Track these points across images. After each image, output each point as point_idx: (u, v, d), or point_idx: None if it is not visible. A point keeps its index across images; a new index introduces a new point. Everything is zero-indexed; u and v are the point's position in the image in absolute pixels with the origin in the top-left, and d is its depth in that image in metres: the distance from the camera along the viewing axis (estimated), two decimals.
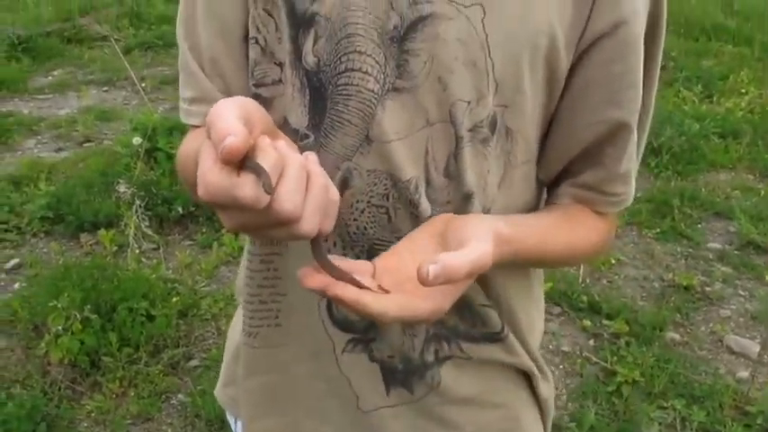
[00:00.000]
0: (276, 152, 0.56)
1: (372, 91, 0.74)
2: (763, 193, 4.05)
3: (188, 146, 0.86)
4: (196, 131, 0.86)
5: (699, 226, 3.72)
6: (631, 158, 0.84)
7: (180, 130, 3.68)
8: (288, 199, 0.55)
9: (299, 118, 0.78)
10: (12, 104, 5.09)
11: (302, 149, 0.60)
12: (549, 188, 0.89)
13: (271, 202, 0.54)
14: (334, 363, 0.87)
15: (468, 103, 0.74)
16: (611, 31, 0.75)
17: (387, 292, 0.64)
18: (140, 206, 3.32)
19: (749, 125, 4.79)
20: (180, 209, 3.42)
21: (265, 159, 0.55)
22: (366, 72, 0.73)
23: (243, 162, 0.54)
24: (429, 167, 0.77)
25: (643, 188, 3.98)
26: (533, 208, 0.86)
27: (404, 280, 0.66)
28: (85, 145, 4.41)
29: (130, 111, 4.87)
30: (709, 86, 5.36)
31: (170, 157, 3.60)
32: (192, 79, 0.85)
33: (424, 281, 0.60)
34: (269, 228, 0.58)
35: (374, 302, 0.62)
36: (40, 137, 4.55)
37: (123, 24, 6.63)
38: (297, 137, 0.78)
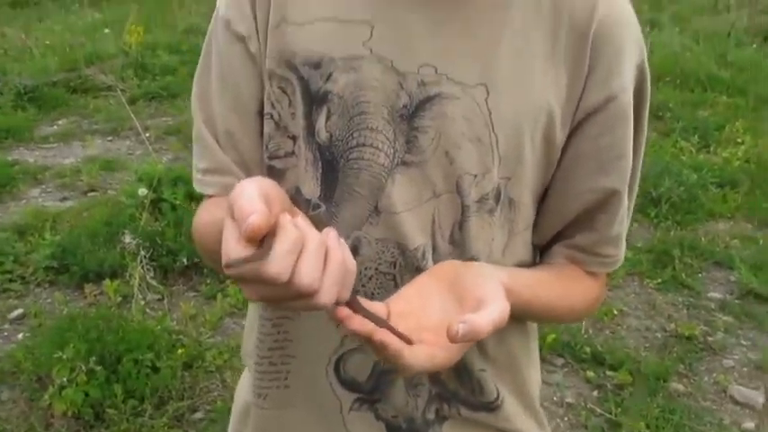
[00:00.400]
0: (297, 229, 0.59)
1: (383, 165, 0.78)
2: (762, 242, 4.08)
3: (204, 217, 0.89)
4: (211, 201, 0.89)
5: (699, 275, 3.74)
6: (622, 222, 0.88)
7: (184, 180, 3.72)
8: (306, 274, 0.58)
9: (312, 189, 0.82)
10: (17, 153, 5.14)
11: (314, 219, 0.64)
12: (541, 249, 0.93)
13: (291, 277, 0.57)
14: (341, 423, 0.89)
15: (475, 176, 0.79)
16: (601, 106, 0.80)
17: (411, 341, 0.67)
18: (145, 257, 3.34)
19: (746, 174, 4.85)
20: (184, 260, 3.44)
21: (286, 236, 0.58)
22: (377, 147, 0.78)
23: (264, 239, 0.58)
24: (435, 235, 0.81)
25: (643, 238, 4.02)
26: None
27: (419, 328, 0.70)
28: (90, 194, 4.45)
29: (135, 161, 4.92)
30: (705, 136, 5.43)
31: (174, 208, 3.63)
32: (207, 151, 0.88)
33: (453, 338, 0.64)
34: (289, 300, 0.60)
35: (409, 355, 0.66)
36: (44, 186, 4.59)
37: (128, 75, 6.72)
38: (309, 207, 0.81)
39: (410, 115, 0.78)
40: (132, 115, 4.73)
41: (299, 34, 0.81)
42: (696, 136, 5.39)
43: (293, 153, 0.83)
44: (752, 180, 4.79)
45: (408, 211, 0.79)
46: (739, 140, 5.40)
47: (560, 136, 0.82)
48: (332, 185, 0.81)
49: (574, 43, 0.79)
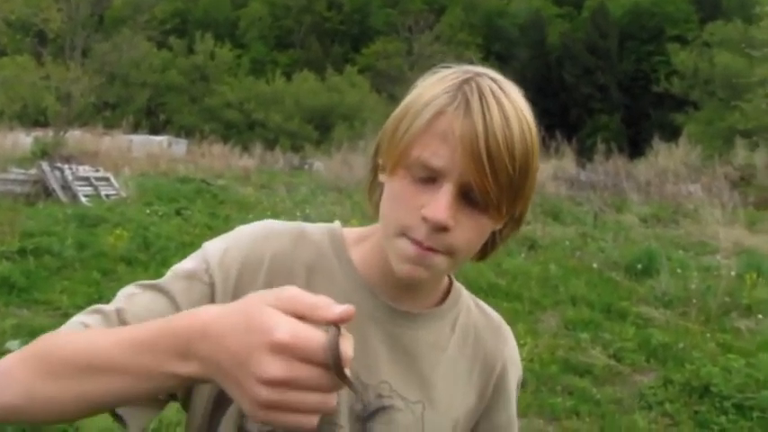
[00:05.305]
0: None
1: None
2: None
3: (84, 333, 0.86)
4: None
5: None
6: None
7: None
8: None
9: None
10: None
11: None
12: None
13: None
14: None
15: None
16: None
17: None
18: None
19: (532, 374, 5.40)
20: None
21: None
22: None
23: None
24: None
25: None
26: None
27: None
28: None
29: None
30: None
31: None
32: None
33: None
34: (314, 389, 0.68)
35: None
36: None
37: None
38: None
39: (365, 418, 0.99)
40: None
41: None
42: None
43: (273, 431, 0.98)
44: (537, 378, 5.35)
45: None
46: (522, 342, 6.03)
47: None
48: None
49: (483, 375, 1.09)
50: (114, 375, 0.76)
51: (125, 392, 0.77)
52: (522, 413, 4.79)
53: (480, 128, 0.86)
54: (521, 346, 6.10)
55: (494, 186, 0.88)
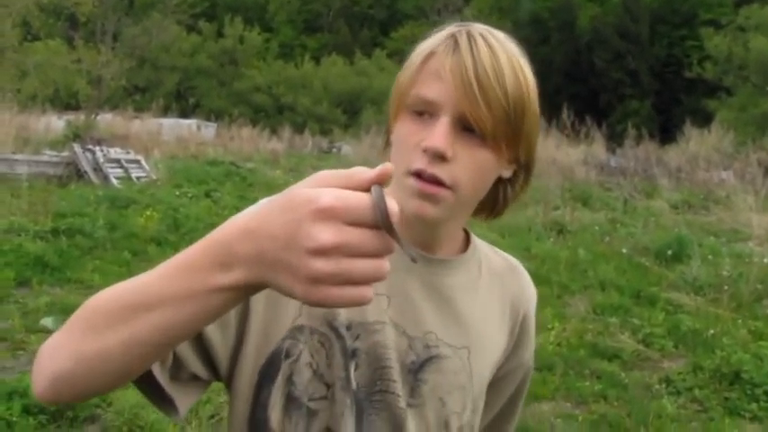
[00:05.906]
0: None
1: (401, 407, 1.00)
2: (581, 418, 4.49)
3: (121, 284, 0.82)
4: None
5: None
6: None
7: (20, 393, 3.54)
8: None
9: (350, 429, 0.99)
10: None
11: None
12: None
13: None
14: None
15: (458, 413, 1.05)
16: (515, 368, 1.18)
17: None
18: None
19: (559, 357, 5.38)
20: None
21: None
22: (396, 393, 1.00)
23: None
24: None
25: None
26: None
27: None
28: None
29: None
30: None
31: (10, 425, 3.43)
32: None
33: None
34: (366, 255, 0.66)
35: None
36: None
37: None
38: None
39: (416, 369, 1.02)
40: None
41: None
42: None
43: (326, 398, 0.99)
44: (565, 362, 5.33)
45: None
46: (549, 326, 6.00)
47: (491, 378, 1.12)
48: (360, 423, 0.99)
49: (512, 316, 1.13)
50: (159, 308, 0.74)
51: (170, 324, 0.74)
52: (549, 396, 4.79)
53: (469, 61, 0.92)
54: (548, 330, 6.09)
55: (488, 115, 0.92)
